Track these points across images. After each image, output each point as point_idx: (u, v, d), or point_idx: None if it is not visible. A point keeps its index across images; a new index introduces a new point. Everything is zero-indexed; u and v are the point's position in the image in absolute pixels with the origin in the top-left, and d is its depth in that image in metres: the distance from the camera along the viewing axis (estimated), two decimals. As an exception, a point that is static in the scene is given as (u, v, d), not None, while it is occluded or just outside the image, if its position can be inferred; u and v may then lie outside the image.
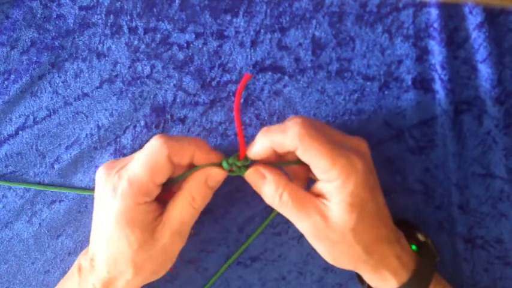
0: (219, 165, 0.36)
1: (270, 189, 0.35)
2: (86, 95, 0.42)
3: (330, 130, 0.36)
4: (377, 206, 0.36)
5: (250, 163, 0.36)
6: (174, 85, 0.42)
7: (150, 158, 0.33)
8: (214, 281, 0.43)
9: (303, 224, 0.35)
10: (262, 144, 0.35)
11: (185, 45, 0.41)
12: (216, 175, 0.36)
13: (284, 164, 0.37)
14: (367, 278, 0.37)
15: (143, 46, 0.41)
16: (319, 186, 0.35)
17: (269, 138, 0.35)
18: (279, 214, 0.42)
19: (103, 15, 0.41)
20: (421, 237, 0.39)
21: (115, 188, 0.34)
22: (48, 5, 0.41)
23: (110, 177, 0.35)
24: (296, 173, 0.38)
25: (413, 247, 0.39)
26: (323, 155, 0.33)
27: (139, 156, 0.34)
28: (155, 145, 0.34)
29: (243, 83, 0.33)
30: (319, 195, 0.35)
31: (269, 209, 0.42)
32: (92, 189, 0.43)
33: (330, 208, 0.34)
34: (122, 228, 0.34)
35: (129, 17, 0.41)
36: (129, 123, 0.42)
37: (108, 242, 0.35)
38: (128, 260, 0.35)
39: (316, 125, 0.35)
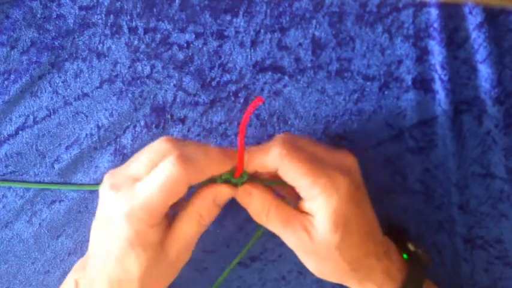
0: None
1: (257, 206, 0.36)
2: (86, 95, 0.42)
3: (314, 147, 0.36)
4: (364, 221, 0.36)
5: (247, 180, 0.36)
6: (174, 85, 0.42)
7: (169, 185, 0.32)
8: (213, 281, 0.43)
9: (290, 239, 0.35)
10: (247, 162, 0.35)
11: (185, 45, 0.41)
12: (226, 194, 0.36)
13: (273, 184, 0.37)
14: None
15: (143, 46, 0.41)
16: (304, 204, 0.35)
17: (252, 157, 0.35)
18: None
19: (103, 15, 0.41)
20: (411, 246, 0.39)
21: (128, 212, 0.33)
22: (48, 5, 0.41)
23: (118, 198, 0.34)
24: (288, 193, 0.38)
25: (405, 256, 0.38)
26: (303, 174, 0.33)
27: (156, 181, 0.32)
28: (174, 172, 0.32)
29: (252, 108, 0.32)
30: (305, 213, 0.35)
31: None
32: (92, 184, 0.42)
33: (314, 225, 0.34)
34: (134, 249, 0.33)
35: (129, 17, 0.41)
36: (129, 123, 0.42)
37: (115, 262, 0.34)
38: (135, 279, 0.34)
39: (298, 143, 0.36)
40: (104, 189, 0.35)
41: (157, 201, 0.32)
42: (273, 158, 0.34)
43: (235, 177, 0.35)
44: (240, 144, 0.33)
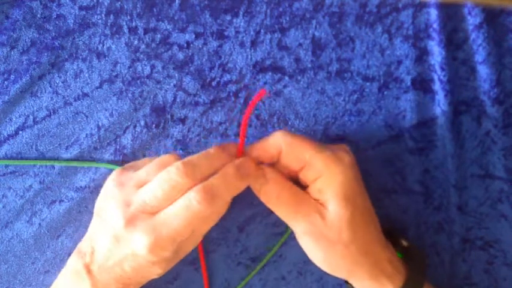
0: None
1: (270, 187, 0.35)
2: (86, 95, 0.42)
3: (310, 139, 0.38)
4: (367, 205, 0.36)
5: None
6: (174, 85, 0.42)
7: (195, 220, 0.33)
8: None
9: (300, 224, 0.35)
10: (248, 150, 0.36)
11: (185, 45, 0.41)
12: (240, 189, 0.36)
13: None
14: (363, 286, 0.37)
15: (143, 46, 0.41)
16: (311, 189, 0.35)
17: (254, 146, 0.36)
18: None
19: (103, 15, 0.41)
20: (404, 242, 0.39)
21: (151, 244, 0.33)
22: (48, 5, 0.41)
23: (137, 231, 0.34)
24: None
25: (399, 255, 0.38)
26: (307, 148, 0.34)
27: (182, 216, 0.33)
28: (201, 209, 0.33)
29: (257, 98, 0.33)
30: (314, 198, 0.35)
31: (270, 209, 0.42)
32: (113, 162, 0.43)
33: (325, 206, 0.34)
34: (155, 265, 0.35)
35: (129, 17, 0.41)
36: (129, 123, 0.42)
37: (138, 270, 0.35)
38: (157, 272, 0.36)
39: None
40: (114, 211, 0.35)
41: (182, 232, 0.33)
42: (275, 139, 0.35)
43: None
44: (243, 129, 0.34)
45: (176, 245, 0.34)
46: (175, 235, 0.33)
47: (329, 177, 0.34)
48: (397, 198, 0.42)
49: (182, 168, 0.34)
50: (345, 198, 0.34)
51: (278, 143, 0.35)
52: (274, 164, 0.37)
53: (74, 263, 0.37)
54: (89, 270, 0.36)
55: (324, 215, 0.34)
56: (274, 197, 0.35)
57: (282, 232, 0.43)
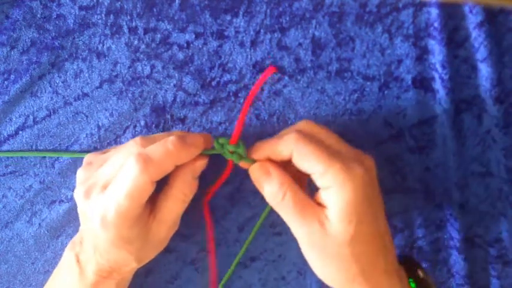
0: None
1: (274, 186, 0.34)
2: (86, 95, 0.42)
3: (333, 139, 0.36)
4: (376, 228, 0.34)
5: (245, 155, 0.36)
6: (174, 85, 0.42)
7: (133, 187, 0.33)
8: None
9: (300, 229, 0.34)
10: (259, 148, 0.36)
11: (185, 45, 0.41)
12: (200, 166, 0.36)
13: None
14: None
15: (143, 46, 0.41)
16: (319, 196, 0.34)
17: (266, 144, 0.35)
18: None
19: (103, 15, 0.41)
20: (421, 273, 0.37)
21: (102, 221, 0.33)
22: (48, 5, 0.41)
23: (91, 207, 0.34)
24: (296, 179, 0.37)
25: (412, 284, 0.37)
26: (318, 159, 0.33)
27: (122, 184, 0.33)
28: (135, 173, 0.33)
29: (265, 76, 0.33)
30: (320, 204, 0.34)
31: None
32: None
33: (328, 217, 0.33)
34: (120, 248, 0.35)
35: (129, 17, 0.41)
36: (129, 123, 0.42)
37: (108, 253, 0.35)
38: (131, 259, 0.36)
39: (316, 136, 0.35)
40: (78, 196, 0.36)
41: (127, 205, 0.33)
42: (288, 142, 0.34)
43: (231, 144, 0.36)
44: (245, 109, 0.34)
45: (131, 221, 0.34)
46: (118, 206, 0.33)
47: (337, 192, 0.32)
48: (398, 197, 0.42)
49: (139, 139, 0.36)
50: (349, 216, 0.32)
51: (289, 148, 0.34)
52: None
53: (67, 253, 0.38)
54: (78, 260, 0.37)
55: (324, 226, 0.33)
56: (279, 197, 0.34)
57: (280, 232, 0.43)
